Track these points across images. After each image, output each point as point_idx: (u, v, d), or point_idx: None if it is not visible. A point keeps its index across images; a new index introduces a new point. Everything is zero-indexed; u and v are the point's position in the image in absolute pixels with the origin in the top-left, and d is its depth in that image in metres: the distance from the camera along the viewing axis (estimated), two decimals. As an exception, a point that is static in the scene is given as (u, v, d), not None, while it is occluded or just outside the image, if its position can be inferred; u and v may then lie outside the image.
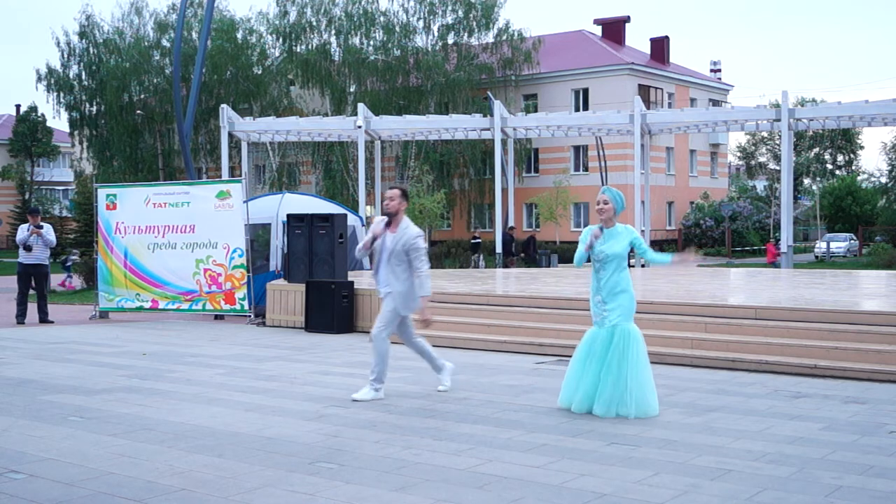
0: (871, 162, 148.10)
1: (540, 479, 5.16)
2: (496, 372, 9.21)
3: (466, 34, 48.30)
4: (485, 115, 30.91)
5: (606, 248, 6.87)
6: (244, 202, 14.91)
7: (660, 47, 53.05)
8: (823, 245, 43.10)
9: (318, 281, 13.69)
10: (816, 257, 42.61)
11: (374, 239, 7.66)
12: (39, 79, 50.25)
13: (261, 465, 5.52)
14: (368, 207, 34.07)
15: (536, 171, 49.51)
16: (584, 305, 11.54)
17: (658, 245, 46.93)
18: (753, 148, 69.18)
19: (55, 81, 50.03)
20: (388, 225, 7.68)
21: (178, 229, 15.11)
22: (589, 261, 7.05)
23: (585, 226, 51.46)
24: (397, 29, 47.61)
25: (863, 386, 8.26)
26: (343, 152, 41.60)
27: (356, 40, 47.71)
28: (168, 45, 48.82)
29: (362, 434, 6.34)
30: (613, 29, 53.67)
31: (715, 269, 24.02)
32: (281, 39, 49.20)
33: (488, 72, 47.80)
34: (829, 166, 68.03)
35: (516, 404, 7.44)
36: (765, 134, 63.65)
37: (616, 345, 6.77)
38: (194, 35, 46.65)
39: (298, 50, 48.31)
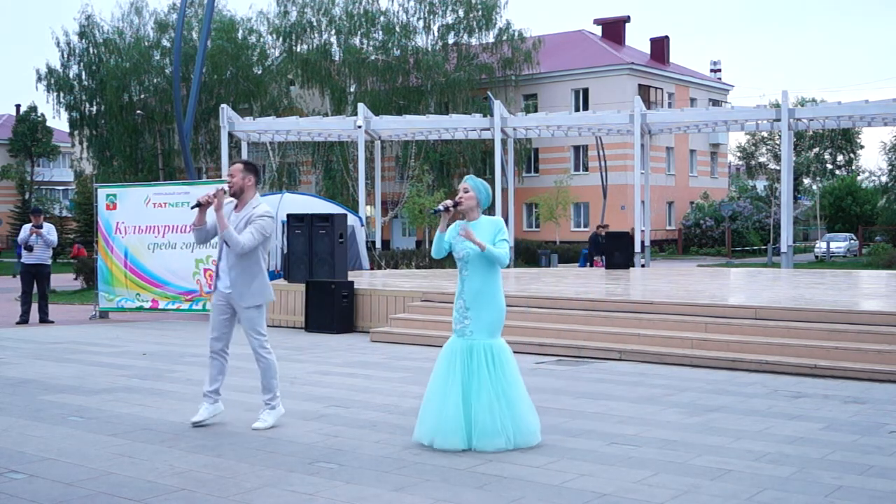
0: (871, 162, 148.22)
1: (540, 479, 5.16)
2: (496, 372, 9.19)
3: (466, 34, 48.31)
4: (485, 115, 30.90)
5: (468, 245, 5.91)
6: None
7: (660, 47, 53.05)
8: (823, 245, 43.13)
9: (318, 281, 13.69)
10: (816, 257, 42.64)
11: (199, 204, 6.34)
12: (39, 79, 50.25)
13: (261, 465, 5.52)
14: (368, 207, 34.07)
15: (536, 171, 49.52)
16: (584, 305, 11.60)
17: (658, 245, 46.97)
18: (753, 148, 69.16)
19: (55, 81, 50.02)
20: (235, 206, 6.55)
21: (179, 229, 15.09)
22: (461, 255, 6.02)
23: (586, 226, 51.41)
24: (397, 29, 47.61)
25: (863, 386, 8.26)
26: (343, 152, 41.61)
27: (356, 40, 47.73)
28: (168, 45, 48.81)
29: (362, 434, 6.34)
30: (613, 29, 53.68)
31: (715, 269, 24.02)
32: (281, 39, 49.21)
33: (488, 72, 47.80)
34: (829, 166, 68.03)
35: (516, 404, 7.42)
36: (765, 134, 63.64)
37: (479, 365, 5.81)
38: (194, 35, 46.64)
39: (299, 50, 48.32)
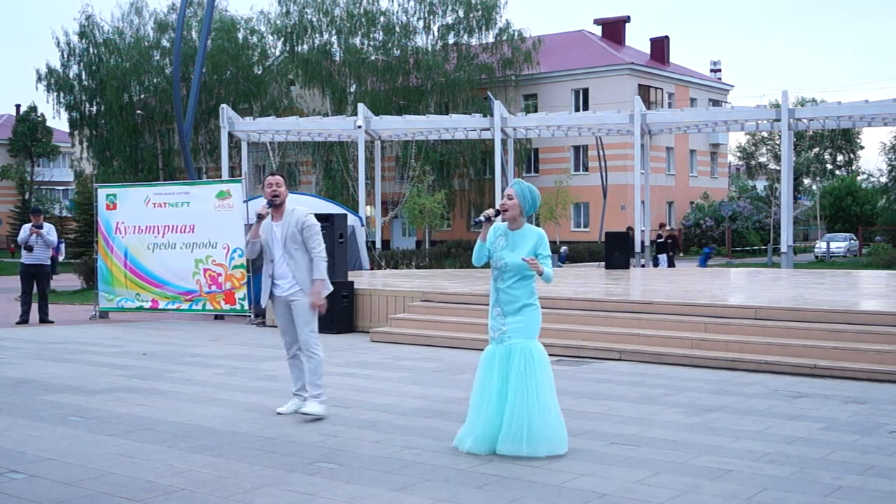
0: (871, 162, 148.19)
1: (540, 479, 5.16)
2: (496, 372, 9.18)
3: (466, 34, 48.34)
4: (485, 115, 30.90)
5: (507, 255, 5.73)
6: (244, 202, 14.91)
7: (660, 47, 53.07)
8: (823, 245, 43.14)
9: (318, 281, 13.67)
10: (816, 257, 42.63)
11: (261, 217, 6.80)
12: (39, 79, 50.26)
13: (261, 465, 5.52)
14: (368, 207, 34.06)
15: (536, 171, 49.53)
16: (584, 305, 11.60)
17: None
18: (753, 148, 69.14)
19: (55, 81, 50.02)
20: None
21: (178, 229, 15.10)
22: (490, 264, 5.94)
23: (586, 226, 51.19)
24: (397, 29, 47.64)
25: (863, 386, 8.26)
26: (343, 152, 41.61)
27: (357, 40, 47.75)
28: (168, 45, 48.83)
29: (362, 434, 6.34)
30: (613, 29, 53.70)
31: (715, 269, 24.02)
32: (282, 39, 49.23)
33: (488, 72, 47.82)
34: (829, 166, 68.01)
35: (516, 404, 7.41)
36: (765, 134, 63.64)
37: (517, 367, 5.67)
38: (194, 35, 46.66)
39: (299, 50, 48.34)
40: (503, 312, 5.79)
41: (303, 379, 7.11)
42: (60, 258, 33.61)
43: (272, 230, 6.91)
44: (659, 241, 26.61)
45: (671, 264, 25.84)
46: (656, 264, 26.26)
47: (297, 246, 6.86)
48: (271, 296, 7.00)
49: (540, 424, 5.61)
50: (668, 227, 26.20)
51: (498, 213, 5.81)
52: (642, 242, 26.94)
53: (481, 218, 5.81)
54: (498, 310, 5.82)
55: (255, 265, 15.82)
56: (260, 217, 6.83)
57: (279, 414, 7.01)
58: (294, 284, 6.88)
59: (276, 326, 14.01)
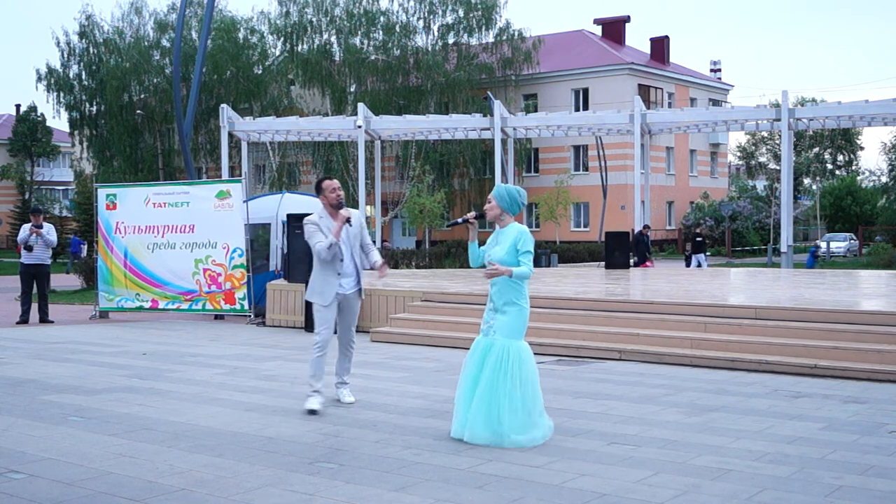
0: (871, 162, 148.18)
1: (540, 479, 5.16)
2: (496, 372, 9.17)
3: (466, 34, 48.34)
4: (485, 115, 30.88)
5: (493, 253, 6.14)
6: (244, 202, 14.91)
7: (660, 47, 53.07)
8: (823, 245, 43.14)
9: (318, 281, 13.65)
10: (816, 257, 42.60)
11: (349, 221, 7.13)
12: (39, 79, 50.26)
13: (261, 465, 5.52)
14: (368, 207, 34.06)
15: (536, 171, 49.53)
16: (584, 305, 11.60)
17: (658, 245, 46.95)
18: (753, 148, 69.20)
19: (55, 81, 50.03)
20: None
21: (178, 229, 15.11)
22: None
23: (586, 226, 51.02)
24: (397, 29, 47.64)
25: (863, 386, 8.26)
26: (343, 152, 41.60)
27: (356, 40, 47.75)
28: (168, 45, 48.84)
29: (362, 434, 6.34)
30: (613, 29, 53.72)
31: (715, 269, 24.01)
32: (282, 39, 49.24)
33: (488, 72, 47.81)
34: (829, 166, 68.03)
35: (516, 404, 7.41)
36: (765, 134, 63.65)
37: (491, 364, 6.02)
38: (194, 35, 46.66)
39: (299, 50, 48.35)
40: (493, 308, 6.21)
41: (324, 377, 7.31)
42: (82, 255, 33.75)
43: (346, 232, 7.18)
44: (697, 240, 26.57)
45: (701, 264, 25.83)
46: (688, 264, 26.19)
47: (358, 245, 7.31)
48: (334, 294, 7.23)
49: (508, 419, 5.87)
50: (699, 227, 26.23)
51: (479, 216, 6.31)
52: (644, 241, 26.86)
53: (459, 220, 6.34)
54: (491, 304, 6.24)
55: (255, 266, 15.84)
56: (348, 221, 7.11)
57: (312, 412, 6.96)
58: (356, 283, 7.33)
59: (275, 326, 14.08)
